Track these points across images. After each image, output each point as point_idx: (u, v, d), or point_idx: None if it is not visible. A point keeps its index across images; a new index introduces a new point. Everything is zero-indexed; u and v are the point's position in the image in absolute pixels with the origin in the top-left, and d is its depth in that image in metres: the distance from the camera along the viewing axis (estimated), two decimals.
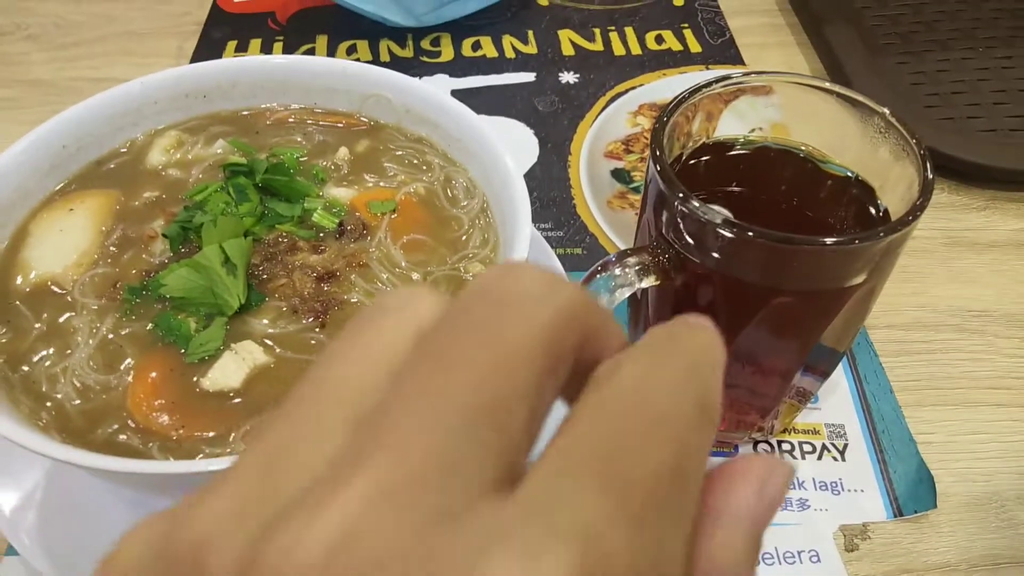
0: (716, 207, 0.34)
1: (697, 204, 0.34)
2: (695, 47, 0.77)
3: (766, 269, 0.35)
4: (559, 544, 0.13)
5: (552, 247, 0.53)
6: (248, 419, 0.35)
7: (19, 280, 0.41)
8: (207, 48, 0.76)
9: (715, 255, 0.35)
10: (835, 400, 0.50)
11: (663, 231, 0.37)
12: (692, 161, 0.41)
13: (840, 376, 0.51)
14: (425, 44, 0.77)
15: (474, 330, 0.15)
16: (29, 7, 0.82)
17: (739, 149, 0.42)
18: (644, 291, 0.41)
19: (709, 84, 0.40)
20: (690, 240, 0.36)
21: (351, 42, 0.77)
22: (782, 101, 0.42)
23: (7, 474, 0.42)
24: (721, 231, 0.33)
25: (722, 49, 0.77)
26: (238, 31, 0.78)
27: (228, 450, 0.34)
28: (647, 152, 0.67)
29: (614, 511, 0.13)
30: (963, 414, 0.50)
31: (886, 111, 0.39)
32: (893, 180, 0.39)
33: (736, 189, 0.42)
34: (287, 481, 0.15)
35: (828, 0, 0.80)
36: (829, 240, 0.33)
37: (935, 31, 0.79)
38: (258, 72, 0.49)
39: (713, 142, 0.42)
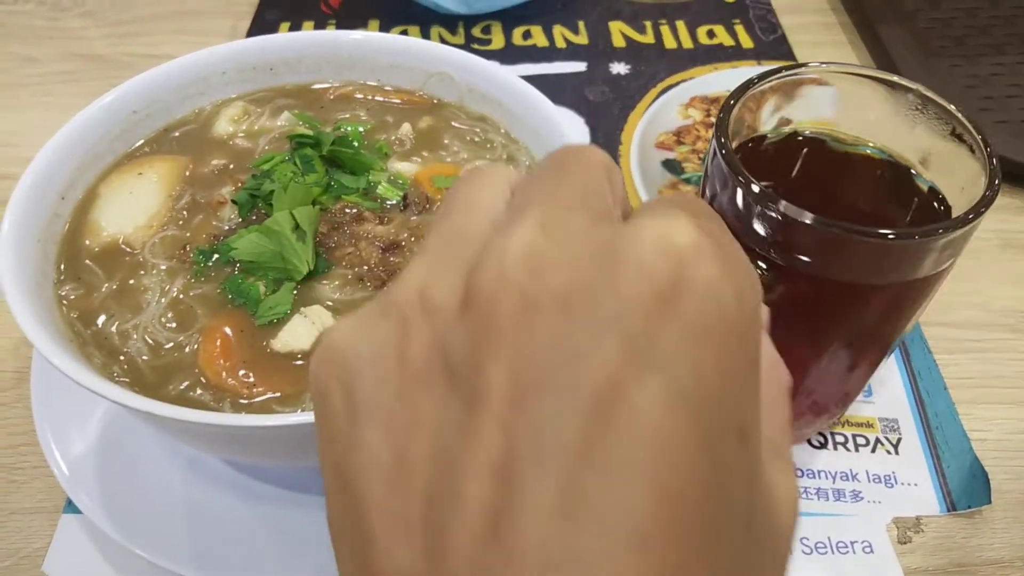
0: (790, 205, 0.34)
1: (776, 199, 0.34)
2: (747, 43, 0.76)
3: (844, 263, 0.35)
4: (679, 215, 0.17)
5: None
6: None
7: (89, 240, 0.41)
8: (260, 29, 0.77)
9: (789, 249, 0.35)
10: (889, 395, 0.50)
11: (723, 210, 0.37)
12: (752, 151, 0.41)
13: (893, 371, 0.51)
14: (476, 32, 0.77)
15: (564, 161, 0.20)
16: None
17: (798, 142, 0.42)
18: None
19: (777, 71, 0.39)
20: (761, 233, 0.35)
21: (403, 28, 0.78)
22: (840, 94, 0.41)
23: (64, 435, 0.43)
24: (801, 223, 0.33)
25: (774, 46, 0.76)
26: (291, 13, 0.79)
27: (300, 408, 0.34)
28: (697, 144, 0.66)
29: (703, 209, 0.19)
30: (1017, 413, 0.50)
31: (952, 107, 0.38)
32: (957, 174, 0.38)
33: (796, 181, 0.42)
34: (470, 238, 0.18)
35: (881, 1, 0.80)
36: (898, 232, 0.32)
37: (989, 35, 0.78)
38: (324, 47, 0.49)
39: (772, 134, 0.42)
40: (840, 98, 0.41)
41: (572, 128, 0.43)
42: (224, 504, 0.41)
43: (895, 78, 0.40)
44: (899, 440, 0.48)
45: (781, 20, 0.79)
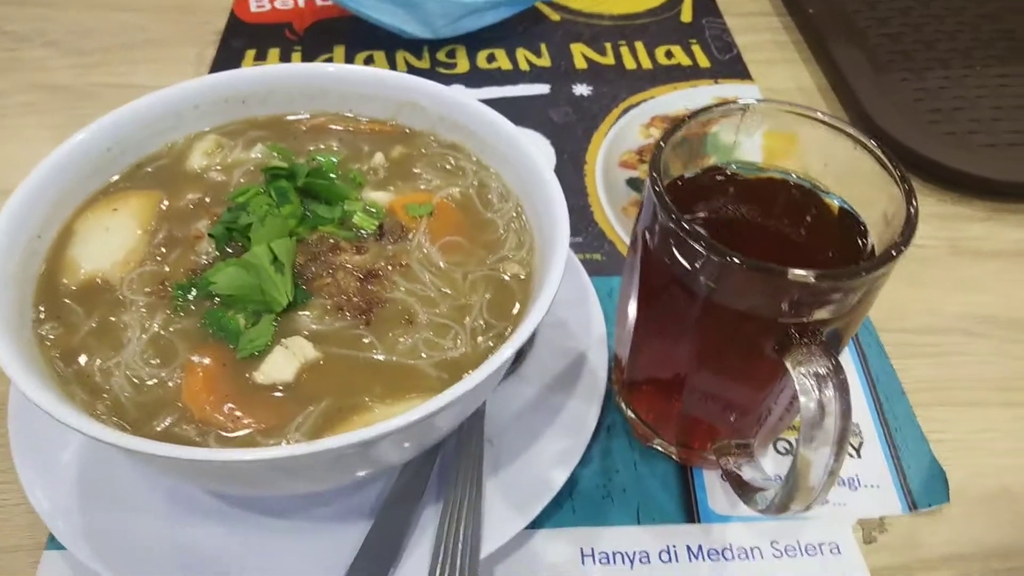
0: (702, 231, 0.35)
1: (686, 227, 0.35)
2: (704, 62, 0.79)
3: (743, 293, 0.37)
4: None
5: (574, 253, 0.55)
6: (301, 411, 0.36)
7: (67, 278, 0.42)
8: (226, 56, 0.77)
9: (701, 276, 0.37)
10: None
11: (648, 242, 0.39)
12: (692, 182, 0.43)
13: (853, 378, 0.53)
14: (441, 56, 0.79)
15: None
16: (48, 15, 0.83)
17: (737, 174, 0.43)
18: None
19: (708, 108, 0.41)
20: (678, 256, 0.37)
21: (368, 52, 0.79)
22: (777, 128, 0.43)
23: (44, 471, 0.43)
24: (706, 254, 0.35)
25: (730, 65, 0.79)
26: (256, 40, 0.80)
27: (283, 440, 0.35)
28: None
29: None
30: (973, 414, 0.52)
31: (878, 149, 0.39)
32: (881, 213, 0.39)
33: (729, 211, 0.43)
34: None
35: (831, 19, 0.83)
36: (807, 272, 0.33)
37: (935, 50, 0.82)
38: (296, 79, 0.50)
39: (716, 166, 0.43)
40: (774, 133, 0.42)
41: (540, 153, 0.45)
42: (206, 532, 0.41)
43: (828, 119, 0.40)
44: (861, 444, 0.50)
45: (736, 39, 0.82)
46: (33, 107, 0.73)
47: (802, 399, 0.35)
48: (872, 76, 0.76)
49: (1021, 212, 0.66)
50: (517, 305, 0.41)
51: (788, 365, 0.36)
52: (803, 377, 0.35)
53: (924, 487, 0.48)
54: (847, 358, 0.55)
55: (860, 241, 0.40)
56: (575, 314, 0.52)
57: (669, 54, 0.80)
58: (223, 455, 0.31)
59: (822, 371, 0.35)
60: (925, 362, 0.55)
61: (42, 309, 0.40)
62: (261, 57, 0.78)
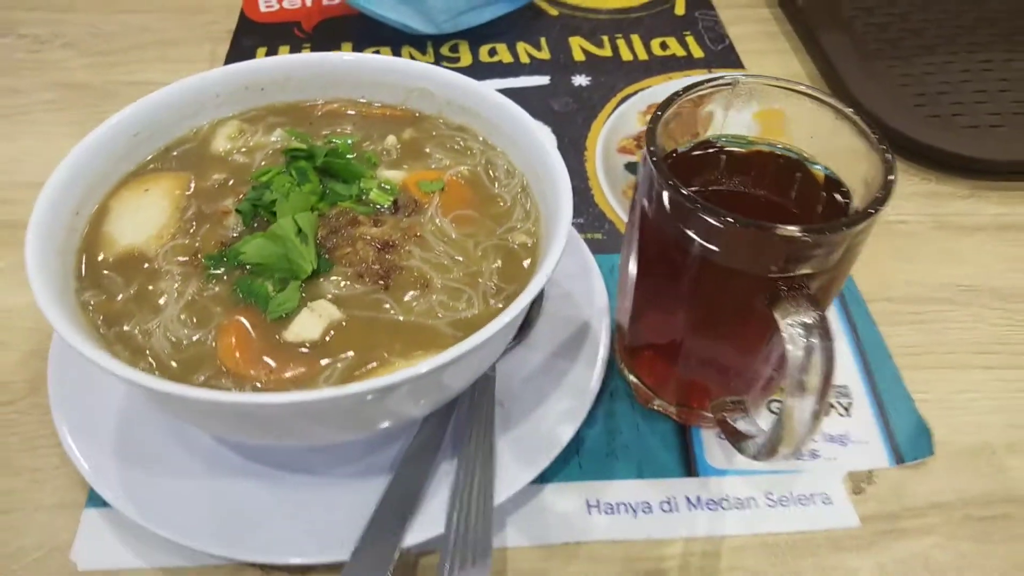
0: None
1: (695, 200, 0.38)
2: (698, 53, 0.82)
3: (734, 251, 0.39)
4: None
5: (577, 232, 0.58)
6: (328, 365, 0.39)
7: (104, 251, 0.45)
8: (238, 54, 0.81)
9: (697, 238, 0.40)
10: (840, 364, 0.55)
11: (645, 210, 0.42)
12: (686, 156, 0.46)
13: (843, 343, 0.56)
14: (444, 50, 0.82)
15: None
16: (66, 18, 0.87)
17: (727, 147, 0.46)
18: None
19: (698, 84, 0.44)
20: (674, 221, 0.40)
21: (374, 48, 0.82)
22: (765, 104, 0.45)
23: (83, 434, 0.46)
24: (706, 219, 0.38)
25: (723, 55, 0.82)
26: (267, 39, 0.83)
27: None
28: None
29: None
30: (955, 375, 0.55)
31: (857, 118, 0.42)
32: (862, 178, 0.42)
33: (720, 181, 0.46)
34: None
35: (820, 9, 0.86)
36: (793, 228, 0.36)
37: (921, 37, 0.85)
38: (311, 68, 0.53)
39: (707, 140, 0.46)
40: (762, 106, 0.45)
41: (543, 131, 0.48)
42: (239, 488, 0.44)
43: (812, 91, 0.43)
44: (850, 404, 0.53)
45: (728, 31, 0.85)
46: (55, 104, 0.76)
47: (789, 347, 0.38)
48: (859, 63, 0.79)
49: (1001, 189, 0.69)
50: (525, 268, 0.44)
51: (777, 316, 0.39)
52: (790, 327, 0.38)
53: (910, 442, 0.51)
54: (838, 326, 0.58)
55: (844, 204, 0.43)
56: (579, 286, 0.55)
57: (664, 45, 0.83)
58: (259, 399, 0.34)
59: (808, 320, 0.38)
60: (910, 328, 0.58)
61: (83, 279, 0.43)
62: (272, 54, 0.81)
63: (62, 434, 0.46)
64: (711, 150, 0.46)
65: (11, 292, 0.57)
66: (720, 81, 0.44)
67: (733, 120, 0.46)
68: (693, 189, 0.39)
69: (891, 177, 0.39)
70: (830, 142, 0.44)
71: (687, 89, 0.44)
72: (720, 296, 0.43)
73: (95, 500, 0.46)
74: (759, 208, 0.44)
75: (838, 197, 0.43)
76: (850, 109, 0.42)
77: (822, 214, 0.43)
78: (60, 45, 0.83)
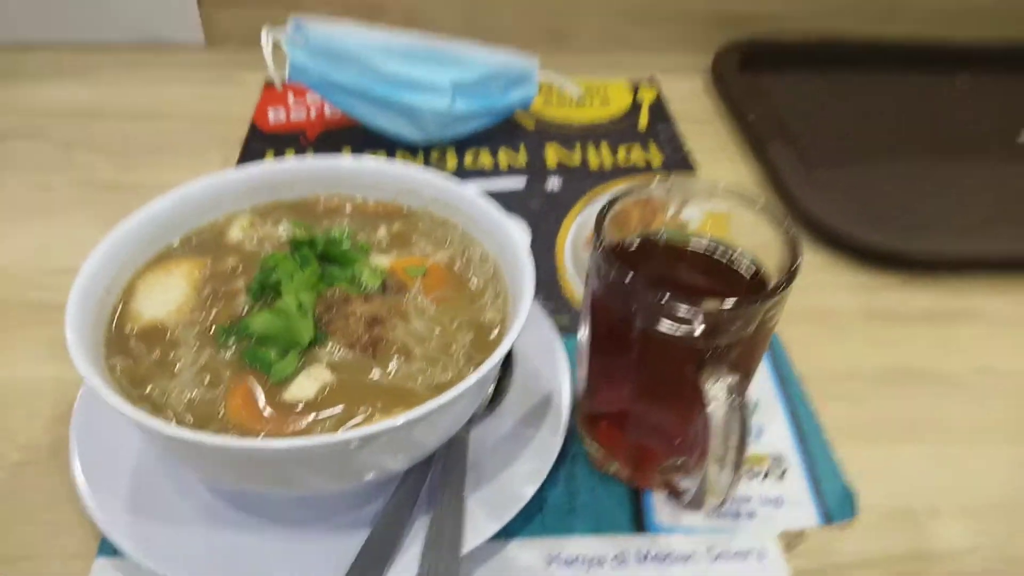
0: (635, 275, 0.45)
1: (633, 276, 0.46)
2: (657, 161, 0.92)
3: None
4: None
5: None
6: (321, 420, 0.46)
7: (131, 323, 0.52)
8: (249, 158, 0.90)
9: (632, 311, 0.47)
10: (777, 437, 0.62)
11: (594, 294, 0.49)
12: (630, 246, 0.54)
13: (781, 417, 0.63)
14: (434, 156, 0.92)
15: None
16: (91, 124, 0.97)
17: (667, 240, 0.54)
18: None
19: (637, 187, 0.53)
20: (617, 301, 0.48)
21: (371, 154, 0.91)
22: (698, 202, 0.53)
23: (99, 489, 0.51)
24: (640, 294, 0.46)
25: (680, 163, 0.92)
26: (275, 145, 0.93)
27: None
28: None
29: None
30: (878, 447, 0.62)
31: (766, 211, 0.50)
32: (776, 263, 0.49)
33: (659, 268, 0.54)
34: None
35: (768, 123, 0.97)
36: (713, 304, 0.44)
37: (859, 149, 0.96)
38: (314, 169, 0.62)
39: (649, 234, 0.54)
40: (697, 205, 0.54)
41: (517, 229, 0.56)
42: (236, 538, 0.50)
43: (731, 189, 0.52)
44: (785, 471, 0.59)
45: (686, 142, 0.95)
46: (84, 200, 0.84)
47: (710, 407, 0.45)
48: (803, 172, 0.89)
49: (929, 281, 0.77)
50: (492, 340, 0.51)
51: (701, 381, 0.46)
52: (711, 389, 0.45)
53: (838, 505, 0.57)
54: (777, 403, 0.64)
55: (761, 286, 0.51)
56: (545, 363, 0.62)
57: (628, 154, 0.93)
58: (262, 443, 0.40)
59: (727, 383, 0.45)
60: (842, 405, 0.65)
61: (112, 346, 0.50)
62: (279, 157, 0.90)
63: (80, 490, 0.52)
64: (651, 242, 0.54)
65: (40, 365, 0.64)
66: (655, 185, 0.53)
67: (671, 215, 0.55)
68: (633, 273, 0.47)
69: (796, 264, 0.47)
70: (754, 235, 0.52)
71: (628, 190, 0.52)
72: (658, 366, 0.50)
73: (106, 549, 0.51)
74: (690, 290, 0.52)
75: (758, 281, 0.51)
76: (764, 203, 0.51)
77: (744, 294, 0.51)
78: (86, 148, 0.93)
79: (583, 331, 0.54)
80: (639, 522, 0.55)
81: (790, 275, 0.47)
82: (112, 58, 1.10)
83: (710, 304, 0.45)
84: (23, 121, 0.96)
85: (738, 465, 0.45)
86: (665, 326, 0.47)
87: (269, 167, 0.62)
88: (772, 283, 0.50)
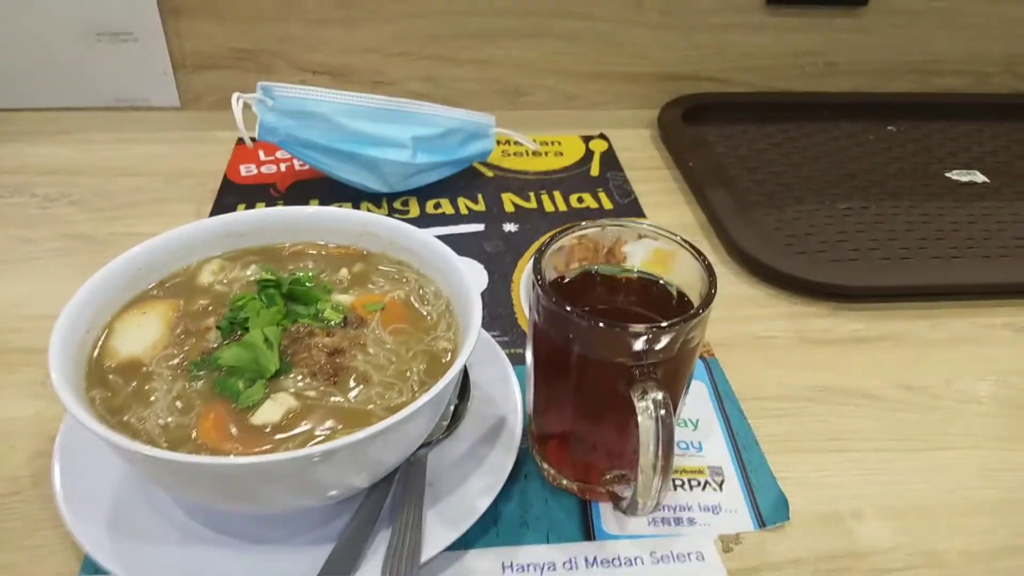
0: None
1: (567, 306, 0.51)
2: (608, 205, 0.98)
3: (597, 346, 0.52)
4: None
5: (500, 347, 0.71)
6: (284, 439, 0.50)
7: (109, 360, 0.56)
8: (221, 210, 0.95)
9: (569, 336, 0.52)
10: (715, 450, 0.66)
11: (536, 323, 0.55)
12: (569, 281, 0.59)
13: (718, 433, 0.68)
14: (397, 205, 0.97)
15: None
16: (72, 180, 1.01)
17: (603, 274, 0.60)
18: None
19: (574, 226, 0.58)
20: (555, 329, 0.53)
21: (338, 204, 0.97)
22: (625, 240, 0.59)
23: (80, 514, 0.55)
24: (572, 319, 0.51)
25: (629, 207, 0.98)
26: (245, 198, 0.98)
27: None
28: None
29: None
30: (811, 458, 0.67)
31: (687, 246, 0.56)
32: (698, 292, 0.55)
33: (594, 298, 0.59)
34: None
35: (708, 171, 1.04)
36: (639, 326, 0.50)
37: (793, 190, 1.03)
38: (281, 218, 0.67)
39: (587, 269, 0.60)
40: (625, 243, 0.59)
41: (469, 268, 0.61)
42: (208, 555, 0.53)
43: (656, 230, 0.58)
44: (723, 481, 0.64)
45: (634, 187, 1.02)
46: (62, 251, 0.89)
47: (640, 418, 0.50)
48: (740, 213, 0.96)
49: (856, 310, 0.83)
50: (444, 365, 0.56)
51: (632, 395, 0.51)
52: (640, 402, 0.50)
53: (771, 510, 0.62)
54: (716, 422, 0.69)
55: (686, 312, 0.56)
56: (498, 390, 0.67)
57: (580, 199, 0.99)
58: (231, 460, 0.45)
59: (655, 397, 0.50)
60: (775, 421, 0.70)
61: (91, 380, 0.54)
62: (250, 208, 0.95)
63: (62, 515, 0.55)
64: (589, 276, 0.60)
65: (22, 404, 0.68)
66: (591, 224, 0.59)
67: (629, 254, 0.60)
68: (570, 305, 0.52)
69: (712, 291, 0.53)
70: (681, 268, 0.58)
71: (564, 230, 0.58)
72: (595, 386, 0.55)
73: (88, 568, 0.55)
74: (623, 317, 0.57)
75: (682, 307, 0.57)
76: (685, 241, 0.57)
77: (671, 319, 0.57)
78: (67, 203, 0.97)
79: (529, 359, 0.59)
80: (588, 531, 0.59)
81: (706, 300, 0.52)
82: (92, 119, 1.15)
83: (637, 328, 0.50)
84: (7, 179, 1.01)
85: (666, 471, 0.50)
86: (599, 350, 0.52)
87: (238, 216, 0.67)
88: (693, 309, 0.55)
